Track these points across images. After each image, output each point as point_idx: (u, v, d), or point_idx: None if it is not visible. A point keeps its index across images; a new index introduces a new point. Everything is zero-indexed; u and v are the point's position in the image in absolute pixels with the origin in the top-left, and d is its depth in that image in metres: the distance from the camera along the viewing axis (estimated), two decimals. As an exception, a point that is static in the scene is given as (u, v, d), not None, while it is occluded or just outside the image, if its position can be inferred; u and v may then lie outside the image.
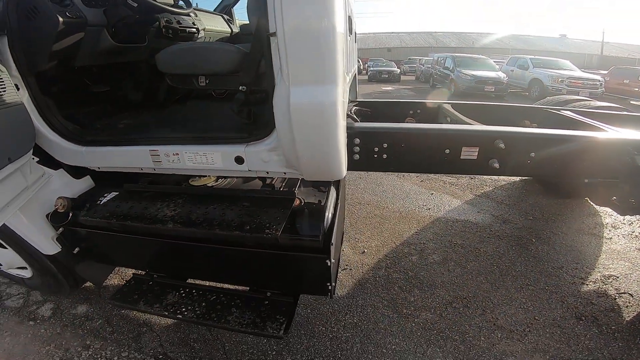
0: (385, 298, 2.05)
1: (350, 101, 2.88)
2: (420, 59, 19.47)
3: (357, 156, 1.91)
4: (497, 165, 1.74)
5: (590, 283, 2.12)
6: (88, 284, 2.08)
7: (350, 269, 2.33)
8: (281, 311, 1.47)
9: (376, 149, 1.88)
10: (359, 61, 23.05)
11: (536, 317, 1.85)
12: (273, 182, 1.71)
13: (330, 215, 1.40)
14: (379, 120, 2.54)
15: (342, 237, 1.95)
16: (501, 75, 10.80)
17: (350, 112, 2.37)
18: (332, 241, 1.28)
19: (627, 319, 1.84)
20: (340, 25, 1.08)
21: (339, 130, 1.20)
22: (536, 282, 2.12)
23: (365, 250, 2.53)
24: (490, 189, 3.51)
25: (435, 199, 3.32)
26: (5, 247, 1.79)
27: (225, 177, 1.81)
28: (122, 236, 1.53)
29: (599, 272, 2.22)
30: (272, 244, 1.33)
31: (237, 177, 1.80)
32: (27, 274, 1.98)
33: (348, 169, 1.96)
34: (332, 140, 1.21)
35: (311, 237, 1.34)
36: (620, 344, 1.68)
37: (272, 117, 1.23)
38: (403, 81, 18.07)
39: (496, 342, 1.70)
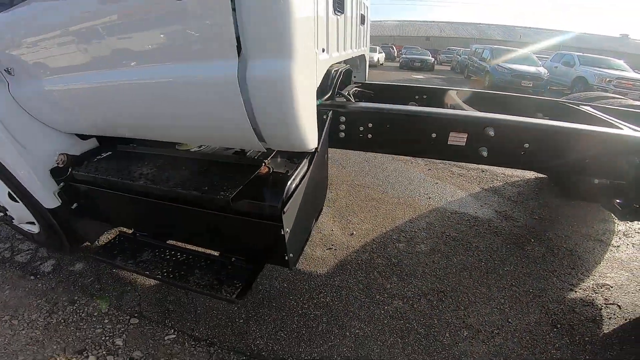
0: (362, 282, 2.01)
1: (354, 83, 2.79)
2: (458, 49, 18.55)
3: (342, 134, 1.87)
4: (485, 153, 1.61)
5: (580, 290, 1.96)
6: (87, 243, 2.20)
7: (335, 249, 2.30)
8: (241, 277, 1.49)
9: (361, 128, 1.82)
10: (393, 48, 22.35)
11: (510, 320, 1.74)
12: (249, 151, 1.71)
13: (293, 186, 1.36)
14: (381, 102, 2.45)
15: (318, 213, 1.91)
16: (542, 70, 10.01)
17: (349, 93, 2.29)
18: (285, 210, 1.25)
19: (604, 332, 1.70)
20: (301, 7, 1.07)
21: (296, 103, 1.17)
22: (521, 284, 1.99)
23: (354, 233, 2.49)
24: (501, 184, 3.31)
25: (439, 188, 3.18)
26: (17, 201, 1.93)
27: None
28: (108, 192, 1.61)
29: (594, 279, 2.05)
30: (225, 207, 1.32)
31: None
32: (35, 229, 2.13)
33: (333, 147, 1.92)
34: (290, 112, 1.18)
35: (270, 205, 1.32)
36: (588, 357, 1.54)
37: None
38: (437, 71, 17.37)
39: (460, 341, 1.63)
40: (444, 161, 3.75)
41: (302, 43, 1.13)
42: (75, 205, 1.83)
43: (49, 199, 1.78)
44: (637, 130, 1.64)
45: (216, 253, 1.72)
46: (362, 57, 2.89)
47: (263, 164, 1.50)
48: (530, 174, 3.43)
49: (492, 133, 1.57)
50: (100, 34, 1.31)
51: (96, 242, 2.23)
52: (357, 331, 1.69)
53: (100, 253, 1.74)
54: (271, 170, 1.49)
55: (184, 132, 1.54)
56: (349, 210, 2.79)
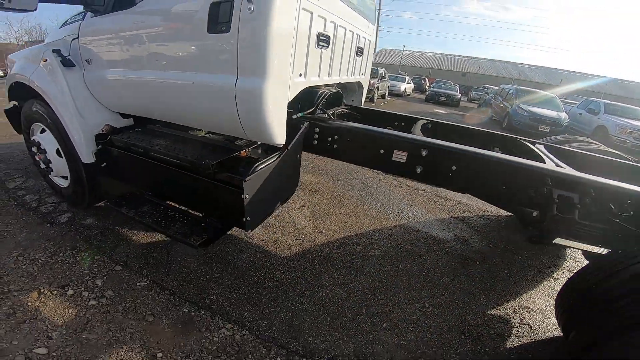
0: (316, 269, 2.35)
1: (344, 105, 3.19)
2: (490, 88, 18.62)
3: (315, 142, 2.28)
4: (419, 170, 1.96)
5: (501, 309, 2.19)
6: (101, 204, 2.68)
7: (302, 241, 2.66)
8: (209, 233, 1.91)
9: (329, 139, 2.23)
10: (425, 80, 22.56)
11: (426, 322, 2.00)
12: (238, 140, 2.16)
13: (260, 167, 1.77)
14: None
15: (285, 199, 2.28)
16: (562, 116, 9.99)
17: (333, 113, 2.73)
18: (247, 180, 1.66)
19: (506, 346, 1.91)
20: (276, 45, 1.57)
21: (266, 109, 1.64)
22: (450, 295, 2.24)
23: (323, 231, 2.84)
24: (471, 215, 3.54)
25: (411, 210, 3.47)
26: (61, 157, 2.49)
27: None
28: (131, 156, 2.17)
29: (519, 302, 2.27)
30: (208, 174, 1.82)
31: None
32: (65, 183, 2.67)
33: (306, 150, 2.33)
34: (260, 114, 1.65)
35: (236, 175, 1.78)
36: None
37: None
38: (462, 107, 17.42)
39: (377, 330, 1.90)
40: (425, 189, 4.04)
41: (276, 68, 1.61)
42: (104, 164, 2.36)
43: (87, 156, 2.32)
44: (559, 166, 1.90)
45: (196, 212, 2.17)
46: (359, 83, 3.30)
47: (244, 149, 1.99)
48: (504, 212, 3.64)
49: (425, 153, 1.91)
50: (146, 44, 1.97)
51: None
52: (297, 304, 2.01)
53: (113, 202, 2.23)
54: (248, 154, 1.94)
55: (194, 120, 2.10)
56: (325, 214, 3.14)
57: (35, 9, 1.84)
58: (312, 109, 2.39)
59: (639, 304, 1.29)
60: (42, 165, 2.64)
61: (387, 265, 2.49)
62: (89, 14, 2.23)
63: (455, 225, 3.25)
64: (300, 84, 2.00)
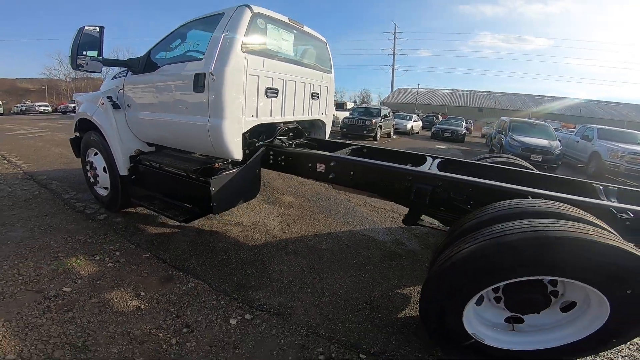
0: (271, 252, 3.10)
1: (305, 137, 4.06)
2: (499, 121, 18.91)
3: (271, 161, 3.18)
4: (332, 176, 2.78)
5: (407, 290, 2.75)
6: (133, 209, 3.66)
7: (267, 236, 3.45)
8: (191, 214, 2.86)
9: (279, 159, 3.13)
10: (438, 117, 23.17)
11: (341, 292, 2.67)
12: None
13: (223, 173, 2.69)
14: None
15: (247, 199, 3.16)
16: (554, 144, 10.18)
17: (294, 143, 3.63)
18: (213, 179, 2.59)
19: (397, 315, 2.54)
20: (229, 101, 2.55)
21: (225, 138, 2.62)
22: (369, 277, 2.83)
23: (286, 232, 3.62)
24: (424, 231, 4.03)
25: (364, 221, 4.16)
26: (106, 173, 3.56)
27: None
28: (149, 169, 3.20)
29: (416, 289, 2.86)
30: (193, 176, 2.79)
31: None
32: (104, 193, 3.71)
33: (264, 167, 3.21)
34: (221, 142, 2.63)
35: (206, 177, 2.69)
36: (369, 326, 2.41)
37: None
38: (468, 142, 17.72)
39: (302, 293, 2.55)
40: (386, 206, 4.68)
41: (230, 113, 2.59)
42: (133, 177, 3.36)
43: (123, 170, 3.33)
44: (423, 169, 2.63)
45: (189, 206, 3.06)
46: (321, 121, 4.21)
47: (217, 162, 2.95)
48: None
49: (333, 164, 2.74)
50: (161, 96, 3.06)
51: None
52: (249, 272, 2.74)
53: (136, 198, 3.26)
54: (220, 166, 2.86)
55: (188, 145, 3.13)
56: (293, 222, 3.92)
57: (100, 72, 3.00)
58: (271, 139, 3.31)
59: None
60: (92, 180, 3.74)
61: (327, 255, 3.20)
62: (129, 72, 3.36)
63: (399, 233, 3.89)
64: (252, 122, 2.92)
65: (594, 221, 1.64)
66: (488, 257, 1.54)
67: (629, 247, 1.43)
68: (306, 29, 3.56)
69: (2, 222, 3.30)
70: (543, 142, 10.31)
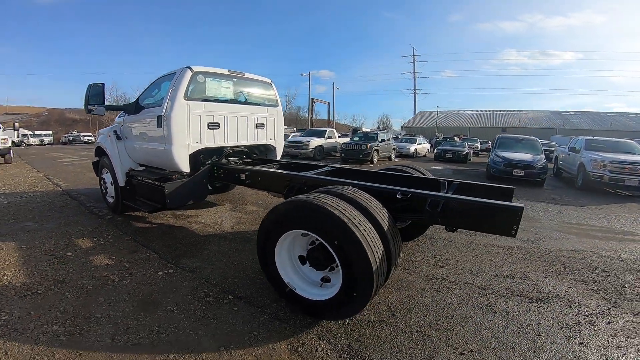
0: (214, 239, 4.12)
1: (254, 158, 5.13)
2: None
3: (215, 174, 4.28)
4: (248, 182, 3.83)
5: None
6: (131, 213, 4.94)
7: (218, 231, 4.50)
8: (153, 208, 4.01)
9: (220, 172, 4.23)
10: (454, 138, 23.01)
11: (250, 273, 3.63)
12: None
13: (175, 180, 3.85)
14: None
15: (196, 199, 4.28)
16: (537, 158, 10.19)
17: (240, 162, 4.73)
18: (165, 184, 3.75)
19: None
20: (178, 131, 3.83)
21: (175, 158, 3.85)
22: None
23: (234, 228, 4.64)
24: None
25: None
26: (112, 185, 4.88)
27: None
28: (136, 180, 4.40)
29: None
30: (158, 183, 3.93)
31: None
32: (111, 200, 5.04)
33: (214, 180, 4.33)
34: (173, 160, 3.86)
35: (163, 183, 3.83)
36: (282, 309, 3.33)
37: None
38: (474, 163, 17.46)
39: (223, 261, 3.59)
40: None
41: (178, 140, 3.81)
42: (127, 187, 4.62)
43: (122, 182, 4.61)
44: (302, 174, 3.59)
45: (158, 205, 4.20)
46: (272, 145, 5.27)
47: (175, 174, 4.06)
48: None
49: (247, 173, 3.79)
50: (140, 129, 4.37)
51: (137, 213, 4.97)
52: (188, 249, 3.79)
53: (126, 199, 4.47)
54: (176, 177, 4.00)
55: (158, 164, 4.30)
56: (243, 223, 4.94)
57: (104, 115, 4.38)
58: (218, 159, 4.44)
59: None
60: (104, 191, 5.12)
61: (254, 242, 4.17)
62: (127, 114, 4.73)
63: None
64: (197, 147, 4.07)
65: (358, 198, 2.40)
66: (283, 213, 2.42)
67: (344, 215, 2.08)
68: (247, 75, 4.73)
69: (41, 219, 4.70)
70: (526, 156, 10.42)
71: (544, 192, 8.82)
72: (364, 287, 2.06)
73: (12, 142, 28.17)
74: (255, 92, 4.98)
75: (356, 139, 16.36)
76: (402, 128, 53.96)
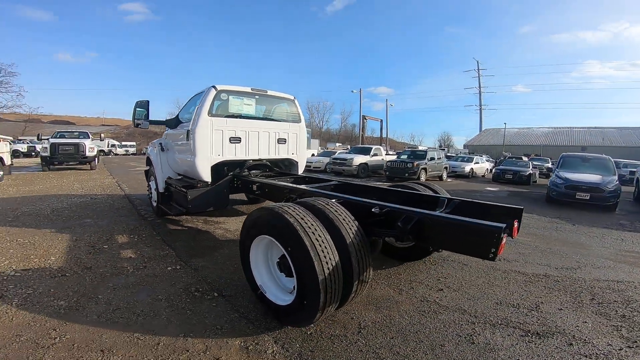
0: (229, 244, 4.44)
1: (275, 171, 5.39)
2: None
3: (235, 184, 4.64)
4: (258, 192, 4.07)
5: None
6: (171, 217, 5.58)
7: (235, 237, 4.81)
8: (178, 211, 4.55)
9: (238, 183, 4.57)
10: (524, 158, 20.81)
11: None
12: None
13: (198, 187, 4.29)
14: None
15: (216, 208, 4.62)
16: (607, 180, 8.70)
17: (260, 174, 5.03)
18: (190, 190, 4.19)
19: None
20: (202, 144, 4.29)
21: (198, 168, 4.30)
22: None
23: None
24: None
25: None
26: (155, 191, 5.60)
27: None
28: (173, 187, 4.94)
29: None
30: (182, 189, 4.40)
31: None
32: (154, 204, 5.75)
33: (250, 195, 4.72)
34: (197, 170, 4.32)
35: (188, 190, 4.28)
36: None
37: None
38: (539, 185, 15.44)
39: (226, 262, 3.84)
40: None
41: (201, 153, 4.27)
42: (165, 193, 5.25)
43: (161, 189, 5.27)
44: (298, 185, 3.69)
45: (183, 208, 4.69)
46: (291, 160, 5.49)
47: (199, 183, 4.50)
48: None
49: (258, 185, 4.04)
50: (177, 142, 4.94)
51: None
52: (202, 251, 4.13)
53: (162, 204, 5.08)
54: (200, 186, 4.44)
55: (188, 173, 4.82)
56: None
57: (148, 128, 5.10)
58: (239, 171, 4.79)
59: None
60: (150, 196, 5.86)
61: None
62: (169, 128, 5.40)
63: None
64: (219, 159, 4.47)
65: (326, 209, 2.37)
66: (254, 219, 2.55)
67: (298, 223, 2.12)
68: (270, 92, 5.07)
69: (98, 217, 5.55)
70: (593, 178, 9.05)
71: (613, 218, 7.54)
72: (312, 297, 2.05)
73: (102, 151, 32.65)
74: (277, 108, 5.31)
75: (404, 156, 15.84)
76: (464, 146, 50.78)
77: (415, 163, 14.02)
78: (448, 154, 26.10)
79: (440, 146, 59.80)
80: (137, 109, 4.91)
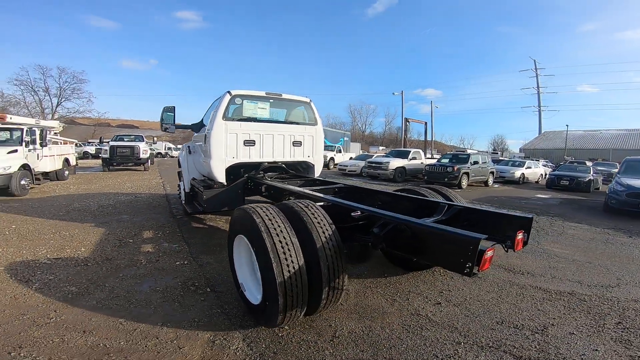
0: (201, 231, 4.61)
1: (291, 174, 5.47)
2: None
3: (249, 186, 4.83)
4: (266, 194, 4.19)
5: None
6: (198, 216, 5.98)
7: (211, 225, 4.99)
8: (195, 210, 4.88)
9: (251, 184, 4.75)
10: (587, 163, 19.01)
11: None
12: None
13: (214, 188, 4.56)
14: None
15: (229, 208, 4.81)
16: None
17: (274, 177, 5.16)
18: (205, 191, 4.45)
19: None
20: (216, 146, 4.51)
21: (214, 169, 4.54)
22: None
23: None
24: None
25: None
26: (184, 190, 6.07)
27: None
28: (196, 187, 5.27)
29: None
30: (199, 189, 4.73)
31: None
32: (183, 201, 6.20)
33: (248, 192, 4.90)
34: (212, 171, 4.57)
35: (203, 190, 4.57)
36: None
37: None
38: (600, 193, 13.69)
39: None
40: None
41: (216, 155, 4.51)
42: (191, 192, 5.64)
43: (188, 188, 5.70)
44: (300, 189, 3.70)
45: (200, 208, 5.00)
46: (307, 162, 5.53)
47: (215, 184, 4.77)
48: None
49: (265, 187, 4.17)
50: (199, 144, 5.22)
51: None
52: (213, 248, 4.35)
53: (185, 203, 5.47)
54: (216, 186, 4.71)
55: (207, 174, 5.09)
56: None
57: (174, 132, 5.52)
58: (254, 173, 4.96)
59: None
60: (179, 196, 6.32)
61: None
62: (195, 132, 5.79)
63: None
64: (233, 161, 4.67)
65: (303, 211, 2.31)
66: (234, 218, 2.62)
67: (263, 224, 2.14)
68: (285, 96, 5.15)
69: (134, 213, 6.12)
70: (663, 185, 7.75)
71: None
72: (273, 298, 2.05)
73: (160, 153, 35.35)
74: (293, 111, 5.40)
75: (444, 160, 15.02)
76: (521, 150, 46.65)
77: (456, 167, 13.10)
78: (500, 158, 24.17)
79: (493, 150, 55.53)
80: (165, 113, 5.34)
